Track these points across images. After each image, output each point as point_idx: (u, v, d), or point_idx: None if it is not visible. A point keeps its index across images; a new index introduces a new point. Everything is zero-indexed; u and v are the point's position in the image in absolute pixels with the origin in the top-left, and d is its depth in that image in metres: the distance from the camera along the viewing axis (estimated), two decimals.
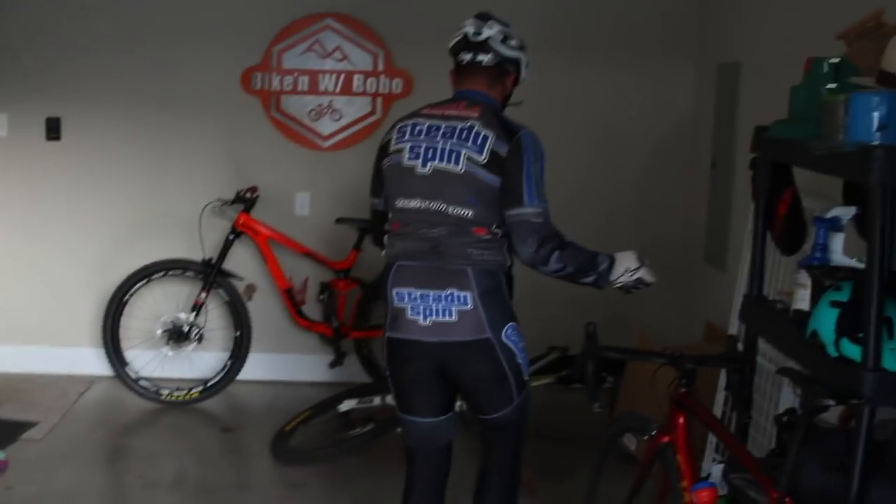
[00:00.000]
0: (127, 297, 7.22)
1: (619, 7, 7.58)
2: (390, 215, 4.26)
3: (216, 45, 7.50)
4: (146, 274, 7.23)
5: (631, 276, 4.23)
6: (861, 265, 3.68)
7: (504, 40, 4.28)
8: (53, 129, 7.55)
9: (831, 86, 3.74)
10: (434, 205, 4.10)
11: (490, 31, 4.27)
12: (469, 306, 4.06)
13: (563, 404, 7.08)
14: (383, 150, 4.28)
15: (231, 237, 7.16)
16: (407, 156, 4.15)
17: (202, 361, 7.39)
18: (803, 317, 3.62)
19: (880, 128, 3.19)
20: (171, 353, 7.29)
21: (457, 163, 4.06)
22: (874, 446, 3.25)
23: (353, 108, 7.56)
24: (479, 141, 4.06)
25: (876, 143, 3.17)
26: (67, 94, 7.52)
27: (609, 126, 7.61)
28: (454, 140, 4.09)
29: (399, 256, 4.17)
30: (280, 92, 7.55)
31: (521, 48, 4.33)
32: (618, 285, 4.23)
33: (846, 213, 3.85)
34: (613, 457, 4.73)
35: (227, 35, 7.50)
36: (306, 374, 7.61)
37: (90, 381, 7.49)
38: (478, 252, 4.09)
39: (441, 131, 4.12)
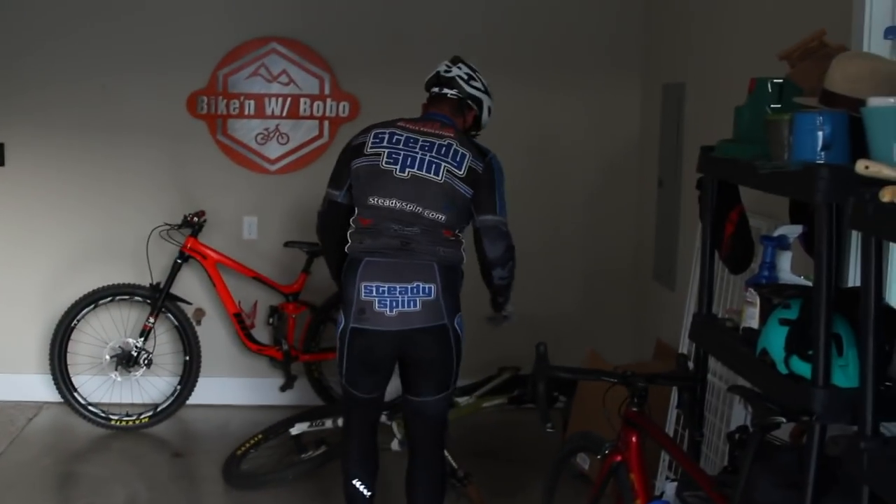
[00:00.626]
0: (74, 322, 7.15)
1: (564, 26, 7.61)
2: (358, 211, 4.80)
3: (161, 69, 7.46)
4: (94, 299, 7.16)
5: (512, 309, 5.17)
6: (808, 283, 3.72)
7: (468, 80, 5.03)
8: None
9: (775, 106, 3.77)
10: (410, 206, 4.70)
11: (458, 71, 5.03)
12: (432, 297, 4.66)
13: (515, 424, 7.11)
14: (356, 151, 4.87)
15: (179, 261, 7.11)
16: (385, 160, 4.75)
17: (151, 386, 7.35)
18: (753, 335, 3.63)
19: (824, 147, 3.22)
20: (119, 379, 7.23)
21: (437, 174, 4.73)
22: (826, 462, 3.27)
23: (300, 132, 7.55)
24: (458, 158, 4.76)
25: (820, 161, 3.20)
26: (11, 120, 7.46)
27: (555, 144, 7.64)
28: (433, 154, 4.76)
29: (368, 252, 4.71)
30: (226, 116, 7.53)
31: (485, 91, 5.08)
32: (507, 313, 5.18)
33: (793, 231, 3.90)
34: (567, 476, 4.76)
35: (173, 59, 7.47)
36: (257, 398, 7.58)
37: (38, 407, 7.43)
38: (444, 250, 4.71)
39: (419, 144, 4.78)
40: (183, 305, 7.21)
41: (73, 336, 7.19)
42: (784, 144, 3.37)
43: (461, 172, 4.75)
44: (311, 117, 7.53)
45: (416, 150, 4.78)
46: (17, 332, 7.56)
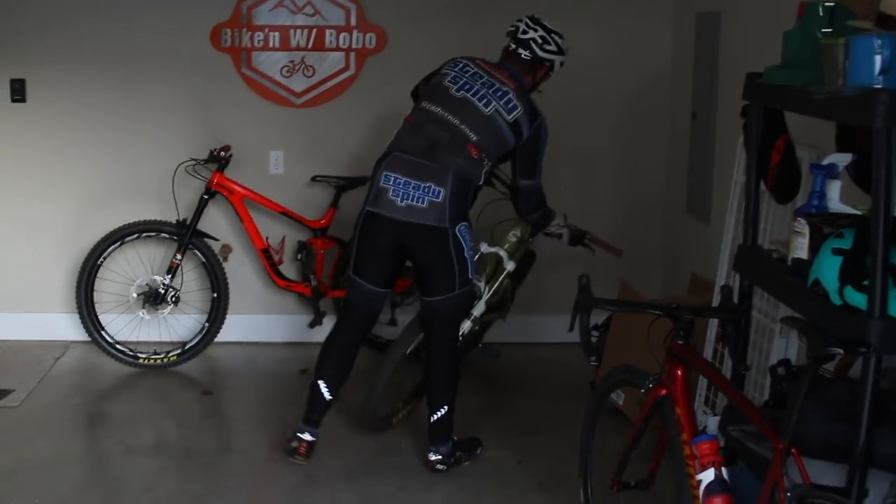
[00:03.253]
0: (100, 260, 7.10)
1: None
2: (411, 112, 5.59)
3: (183, 2, 7.39)
4: (119, 237, 7.11)
5: (559, 229, 6.15)
6: (858, 212, 3.67)
7: (543, 44, 5.64)
8: (18, 91, 7.43)
9: (826, 30, 3.71)
10: (450, 117, 5.39)
11: (533, 34, 5.64)
12: (439, 199, 5.25)
13: (547, 359, 7.13)
14: (435, 73, 5.72)
15: (205, 197, 7.05)
16: (449, 79, 5.55)
17: (179, 324, 7.33)
18: (803, 265, 3.60)
19: (883, 71, 3.17)
20: (147, 317, 7.21)
21: (486, 106, 5.44)
22: (878, 395, 3.24)
23: (326, 65, 7.46)
24: (510, 106, 5.45)
25: (879, 86, 3.14)
26: (32, 56, 7.38)
27: (584, 78, 7.47)
28: (490, 92, 5.47)
29: (398, 148, 5.41)
30: (251, 48, 7.43)
31: (558, 52, 5.68)
32: (549, 232, 6.11)
33: (843, 159, 3.84)
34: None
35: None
36: (285, 335, 7.57)
37: (65, 346, 7.43)
38: (462, 163, 5.31)
39: (483, 80, 5.52)
40: (210, 241, 7.15)
41: (100, 274, 7.15)
42: (839, 69, 3.31)
43: (508, 118, 5.43)
44: (337, 49, 7.44)
45: (478, 83, 5.50)
46: (43, 271, 7.54)
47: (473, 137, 5.37)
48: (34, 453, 5.77)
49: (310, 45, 7.43)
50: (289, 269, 7.39)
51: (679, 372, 3.94)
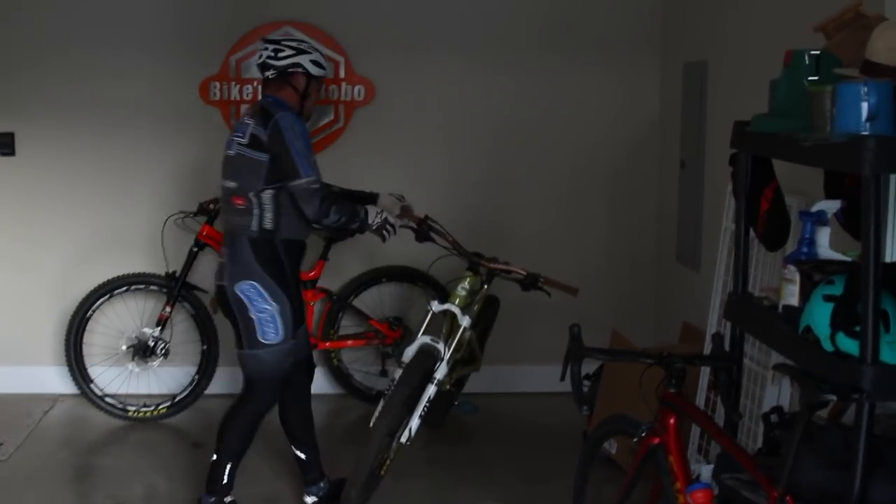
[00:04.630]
0: (90, 312, 7.13)
1: (582, 5, 7.56)
2: None
3: (173, 56, 7.44)
4: (109, 289, 7.14)
5: (380, 217, 5.55)
6: (848, 259, 3.68)
7: (276, 55, 5.44)
8: (7, 145, 7.47)
9: (813, 78, 3.72)
10: (222, 181, 5.42)
11: (266, 53, 5.46)
12: (223, 259, 5.38)
13: (539, 410, 7.11)
14: None
15: (195, 249, 7.05)
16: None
17: (169, 376, 7.33)
18: (794, 312, 3.60)
19: (870, 118, 3.19)
20: (136, 369, 7.20)
21: (230, 148, 5.36)
22: (872, 441, 3.23)
23: (316, 117, 7.39)
24: (243, 129, 5.32)
25: (866, 133, 3.16)
26: (21, 109, 7.43)
27: (575, 125, 7.59)
28: (232, 136, 5.42)
29: None
30: (240, 101, 7.44)
31: (298, 52, 5.45)
32: (374, 227, 5.53)
33: (832, 206, 3.86)
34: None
35: (185, 45, 7.45)
36: None
37: (54, 399, 7.41)
38: (232, 218, 5.35)
39: (233, 131, 5.49)
40: (200, 294, 7.15)
41: (89, 327, 7.17)
42: (827, 116, 3.34)
43: (245, 140, 5.28)
44: (326, 102, 7.44)
45: (230, 136, 5.49)
46: (32, 324, 7.53)
47: (232, 185, 5.35)
48: None
49: None
50: None
51: (672, 420, 3.94)
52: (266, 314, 5.28)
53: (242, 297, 5.27)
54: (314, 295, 7.19)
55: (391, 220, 5.59)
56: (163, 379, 7.33)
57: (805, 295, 3.57)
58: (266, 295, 5.27)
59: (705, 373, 5.52)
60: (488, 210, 7.62)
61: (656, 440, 3.98)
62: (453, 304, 5.89)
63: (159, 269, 7.09)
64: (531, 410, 7.32)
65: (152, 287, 7.17)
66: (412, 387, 5.54)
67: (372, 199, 5.96)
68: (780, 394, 4.89)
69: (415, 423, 5.54)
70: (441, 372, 5.67)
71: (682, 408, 3.96)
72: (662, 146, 7.52)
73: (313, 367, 5.84)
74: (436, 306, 5.88)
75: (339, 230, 5.89)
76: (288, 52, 5.43)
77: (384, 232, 5.60)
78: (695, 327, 6.28)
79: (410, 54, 7.49)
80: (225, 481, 5.45)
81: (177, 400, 7.12)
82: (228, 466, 5.44)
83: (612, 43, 7.57)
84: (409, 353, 5.65)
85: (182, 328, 7.26)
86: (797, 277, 3.66)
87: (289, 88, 5.45)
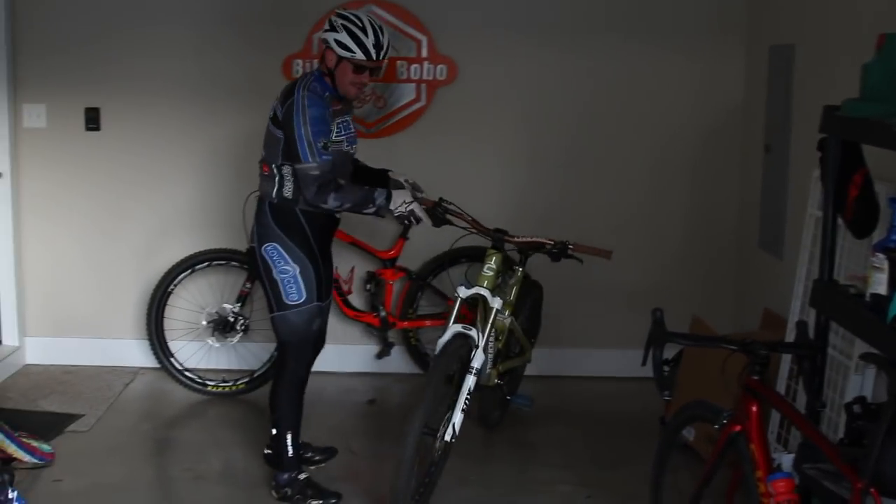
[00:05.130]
0: (171, 287, 7.19)
1: None
2: None
3: (257, 33, 7.46)
4: (190, 264, 7.20)
5: (406, 207, 5.46)
6: None
7: (322, 30, 5.55)
8: (92, 120, 7.53)
9: None
10: None
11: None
12: (254, 222, 5.58)
13: (614, 395, 7.08)
14: None
15: None
16: None
17: (248, 352, 7.38)
18: (882, 301, 3.55)
19: None
20: (216, 345, 7.25)
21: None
22: None
23: (397, 95, 7.47)
24: (273, 104, 5.50)
25: None
26: (106, 85, 7.49)
27: (657, 109, 7.52)
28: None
29: None
30: None
31: (331, 28, 5.44)
32: (396, 214, 5.46)
33: None
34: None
35: (268, 22, 7.46)
36: (353, 365, 7.58)
37: (134, 372, 7.50)
38: (261, 183, 5.56)
39: None
40: None
41: (170, 301, 7.23)
42: None
43: (271, 114, 5.48)
44: (408, 80, 7.44)
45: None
46: (114, 298, 7.62)
47: (262, 154, 5.55)
48: (103, 478, 5.81)
49: (380, 75, 7.29)
50: (357, 300, 7.40)
51: (754, 408, 3.89)
52: (288, 275, 5.45)
53: (267, 257, 5.46)
54: (394, 274, 7.25)
55: (418, 212, 5.52)
56: (242, 355, 7.39)
57: (894, 283, 3.52)
58: (287, 256, 5.44)
59: (786, 361, 5.47)
60: (566, 194, 7.58)
61: (738, 428, 3.94)
62: (481, 286, 5.67)
63: (240, 246, 7.08)
64: (610, 395, 7.30)
65: (233, 263, 7.22)
66: (443, 378, 5.27)
67: (381, 177, 5.96)
68: (863, 383, 4.81)
69: (457, 418, 5.27)
70: (478, 360, 5.39)
71: (764, 395, 3.90)
72: (745, 131, 7.41)
73: (321, 345, 5.94)
74: (463, 291, 5.64)
75: (347, 212, 5.64)
76: (327, 26, 5.48)
77: (406, 221, 5.61)
78: (776, 314, 6.21)
79: (493, 34, 7.44)
80: (290, 454, 5.54)
81: (255, 376, 7.15)
82: (289, 437, 5.53)
83: (695, 26, 7.48)
84: (441, 342, 5.41)
85: (262, 304, 7.05)
86: (886, 265, 3.61)
87: (321, 60, 5.53)
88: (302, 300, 5.46)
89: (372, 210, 5.43)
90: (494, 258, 5.76)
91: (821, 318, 4.19)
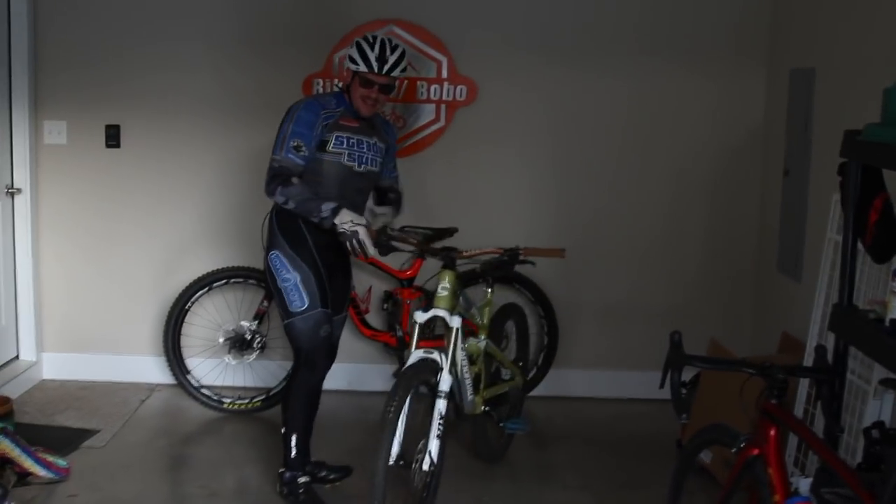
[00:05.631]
0: (189, 304, 7.21)
1: (687, 10, 7.48)
2: None
3: (278, 52, 7.49)
4: (208, 282, 7.22)
5: (351, 226, 5.43)
6: None
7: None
8: (113, 137, 7.56)
9: None
10: None
11: None
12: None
13: (629, 417, 7.14)
14: None
15: None
16: None
17: (264, 370, 7.38)
18: None
19: None
20: (233, 362, 7.24)
21: None
22: None
23: (416, 116, 7.49)
24: None
25: None
26: (127, 102, 7.52)
27: (678, 130, 7.53)
28: None
29: None
30: None
31: (354, 43, 5.71)
32: (340, 230, 5.43)
33: None
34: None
35: (289, 41, 7.50)
36: (370, 384, 7.56)
37: (151, 389, 7.52)
38: None
39: None
40: None
41: (187, 318, 7.26)
42: None
43: None
44: (428, 101, 7.46)
45: None
46: (131, 314, 7.64)
47: None
48: (118, 493, 5.83)
49: (400, 96, 7.41)
50: (375, 319, 7.39)
51: (772, 432, 3.87)
52: (289, 283, 5.60)
53: (271, 265, 5.65)
54: (411, 293, 7.19)
55: (362, 235, 5.49)
56: (258, 372, 7.38)
57: None
58: (288, 264, 5.61)
59: (803, 385, 5.44)
60: (585, 214, 7.58)
61: (755, 452, 3.91)
62: (438, 307, 5.49)
63: (258, 264, 6.95)
64: (626, 417, 7.29)
65: (251, 281, 7.23)
66: (400, 410, 4.96)
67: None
68: (881, 408, 4.77)
69: (433, 445, 5.09)
70: (445, 383, 5.21)
71: (782, 419, 3.88)
72: (765, 153, 7.40)
73: (333, 354, 5.95)
74: (420, 316, 5.44)
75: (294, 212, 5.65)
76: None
77: (348, 244, 5.53)
78: (794, 338, 6.19)
79: (513, 55, 7.46)
80: (293, 454, 5.68)
81: (272, 394, 7.16)
82: (294, 438, 5.67)
83: (716, 47, 7.48)
84: (397, 371, 5.35)
85: (279, 322, 7.03)
86: None
87: (344, 80, 5.88)
88: (305, 307, 5.59)
89: (316, 219, 5.50)
90: (447, 277, 5.60)
91: (840, 343, 4.17)
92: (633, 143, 7.51)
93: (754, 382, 4.03)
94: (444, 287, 5.56)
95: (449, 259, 5.65)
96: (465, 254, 5.74)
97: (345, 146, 5.64)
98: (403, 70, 5.77)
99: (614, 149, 7.53)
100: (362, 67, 5.60)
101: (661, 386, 4.02)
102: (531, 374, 7.33)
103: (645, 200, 7.54)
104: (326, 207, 5.46)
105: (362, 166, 5.73)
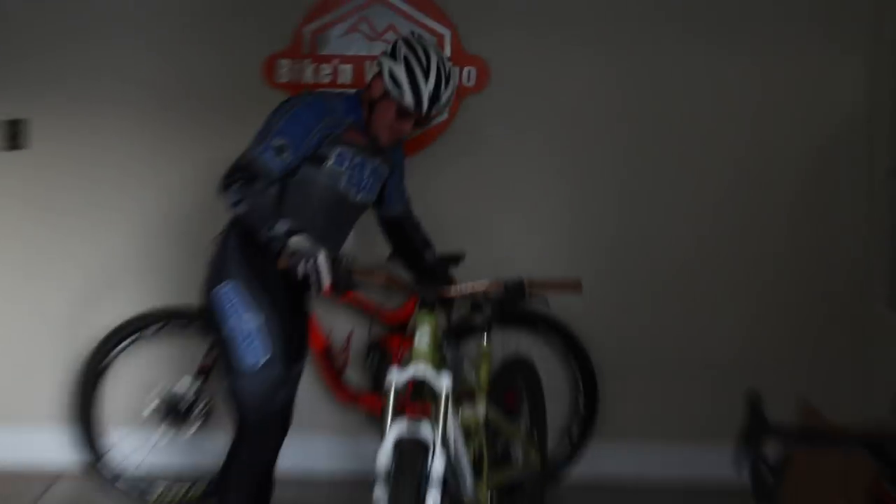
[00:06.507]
0: (107, 361, 6.92)
1: None
2: None
3: (229, 26, 7.33)
4: (134, 329, 6.93)
5: (310, 252, 4.88)
6: None
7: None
8: (15, 135, 7.39)
9: None
10: None
11: None
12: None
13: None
14: None
15: None
16: None
17: (210, 446, 6.98)
18: None
19: None
20: (167, 436, 6.98)
21: None
22: None
23: None
24: None
25: None
26: (38, 90, 7.38)
27: (746, 124, 7.33)
28: None
29: None
30: (315, 85, 7.27)
31: (390, 54, 5.51)
32: (290, 253, 4.91)
33: None
34: None
35: (244, 12, 7.34)
36: (347, 464, 7.31)
37: (53, 477, 7.22)
38: None
39: None
40: None
41: (105, 380, 6.97)
42: None
43: None
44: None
45: None
46: (30, 372, 7.38)
47: None
48: None
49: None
50: (355, 377, 7.16)
51: None
52: (245, 329, 5.30)
53: (221, 302, 5.35)
54: (404, 342, 6.86)
55: (321, 261, 4.89)
56: (201, 449, 7.07)
57: None
58: (249, 300, 5.32)
59: None
60: (625, 233, 7.41)
61: None
62: (418, 363, 5.00)
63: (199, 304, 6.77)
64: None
65: (192, 327, 6.94)
66: None
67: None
68: None
69: None
70: (438, 467, 4.78)
71: None
72: (867, 150, 7.24)
73: (288, 424, 5.67)
74: (396, 376, 4.98)
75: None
76: (390, 48, 5.53)
77: (300, 267, 4.91)
78: None
79: (537, 28, 7.27)
80: None
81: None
82: None
83: (799, 17, 7.30)
84: (382, 459, 4.77)
85: None
86: None
87: (369, 94, 5.58)
88: (262, 363, 5.29)
89: (265, 235, 5.06)
90: (426, 321, 5.11)
91: None
92: (689, 140, 7.35)
93: (863, 462, 3.85)
94: (423, 335, 5.07)
95: (428, 296, 5.19)
96: (449, 292, 5.31)
97: (346, 167, 5.49)
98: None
99: (663, 151, 7.36)
100: (408, 101, 5.41)
101: (736, 466, 3.94)
102: (566, 449, 7.21)
103: (705, 214, 7.37)
104: (280, 225, 5.04)
105: (359, 195, 5.61)
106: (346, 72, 7.27)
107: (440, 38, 7.27)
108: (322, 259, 4.88)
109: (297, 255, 4.92)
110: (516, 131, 7.30)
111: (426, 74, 5.42)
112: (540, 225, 7.38)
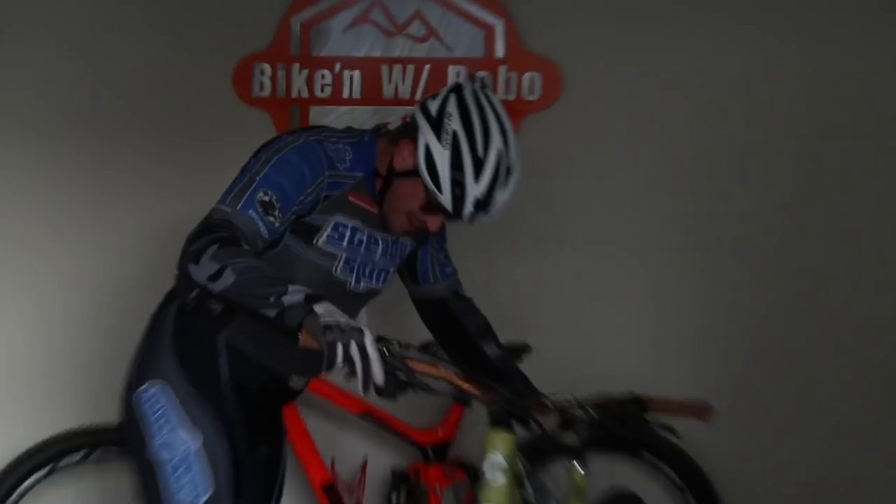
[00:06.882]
0: (11, 500, 5.93)
1: None
2: None
3: (197, 19, 6.50)
4: (49, 456, 5.77)
5: (350, 335, 3.71)
6: None
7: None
8: None
9: None
10: None
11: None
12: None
13: None
14: None
15: None
16: None
17: None
18: None
19: None
20: None
21: None
22: None
23: None
24: None
25: None
26: None
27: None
28: None
29: None
30: (308, 100, 6.45)
31: (434, 119, 4.52)
32: (323, 327, 3.75)
33: None
34: None
35: (212, 4, 6.56)
36: None
37: None
38: (177, 280, 4.85)
39: None
40: None
41: None
42: None
43: None
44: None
45: None
46: None
47: None
48: None
49: (419, 91, 6.45)
50: None
51: None
52: (176, 453, 4.44)
53: (140, 414, 4.50)
54: (443, 474, 5.97)
55: (370, 349, 3.77)
56: None
57: None
58: (180, 412, 4.47)
59: None
60: (760, 307, 6.38)
61: None
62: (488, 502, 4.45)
63: None
64: None
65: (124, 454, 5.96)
66: None
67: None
68: None
69: None
70: None
71: None
72: None
73: None
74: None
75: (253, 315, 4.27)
76: (436, 109, 4.47)
77: (339, 359, 3.79)
78: None
79: (627, 21, 6.38)
80: None
81: None
82: None
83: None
84: None
85: None
86: None
87: (392, 150, 4.57)
88: (205, 501, 4.42)
89: (271, 309, 3.90)
90: (500, 443, 4.44)
91: None
92: (841, 166, 6.38)
93: None
94: (496, 461, 4.43)
95: (505, 411, 4.50)
96: (542, 403, 4.62)
97: (344, 244, 4.49)
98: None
99: (807, 177, 6.43)
100: (444, 201, 4.43)
101: None
102: None
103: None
104: (295, 293, 3.87)
105: (361, 283, 4.62)
106: (354, 79, 6.41)
107: (489, 30, 6.40)
108: (370, 341, 3.75)
109: (333, 331, 3.75)
110: (603, 169, 6.41)
111: (479, 168, 4.37)
112: (634, 303, 6.43)
